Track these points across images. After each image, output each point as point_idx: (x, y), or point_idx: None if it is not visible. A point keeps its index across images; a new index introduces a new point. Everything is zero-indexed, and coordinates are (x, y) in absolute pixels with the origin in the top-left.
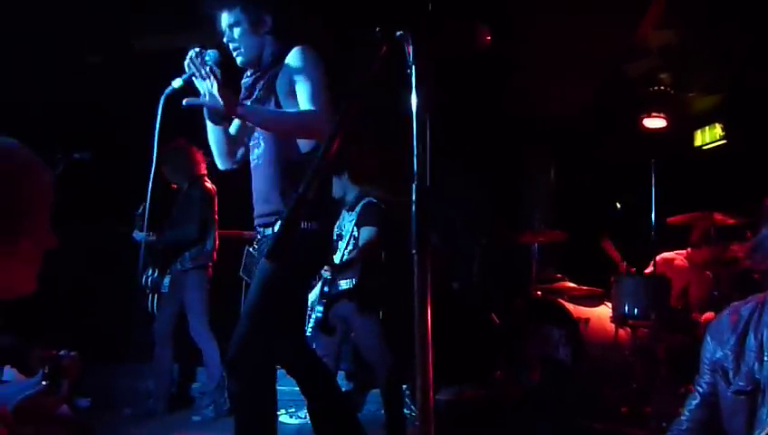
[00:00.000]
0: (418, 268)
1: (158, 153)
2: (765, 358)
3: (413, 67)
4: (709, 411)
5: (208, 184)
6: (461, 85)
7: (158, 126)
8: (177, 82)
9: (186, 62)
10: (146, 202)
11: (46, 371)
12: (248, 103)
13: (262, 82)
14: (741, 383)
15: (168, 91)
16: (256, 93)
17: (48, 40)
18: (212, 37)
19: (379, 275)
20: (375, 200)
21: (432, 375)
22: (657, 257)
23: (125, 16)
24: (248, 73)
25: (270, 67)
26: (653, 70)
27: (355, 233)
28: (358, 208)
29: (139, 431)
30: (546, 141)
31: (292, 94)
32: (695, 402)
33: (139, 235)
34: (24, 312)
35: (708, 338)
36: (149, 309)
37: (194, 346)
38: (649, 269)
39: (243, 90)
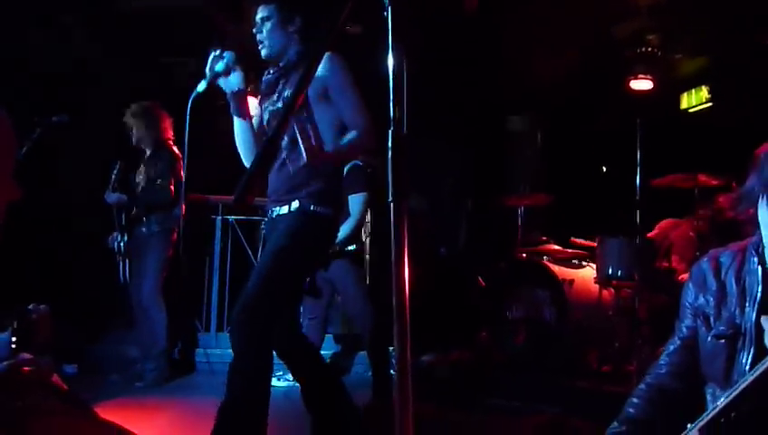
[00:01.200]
0: (395, 217)
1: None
2: (747, 304)
3: (389, 9)
4: (688, 355)
5: (175, 148)
6: (447, 50)
7: (187, 127)
8: (201, 86)
9: (207, 66)
10: (119, 163)
11: (14, 325)
12: (274, 104)
13: (284, 82)
14: (722, 328)
15: (194, 94)
16: (282, 94)
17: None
18: None
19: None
20: (361, 163)
21: (409, 323)
22: (663, 222)
23: None
24: (271, 70)
25: (293, 67)
26: (641, 30)
27: None
28: (344, 171)
29: (125, 396)
30: (532, 104)
31: (323, 98)
32: (673, 347)
33: (111, 196)
34: (8, 278)
35: (690, 284)
36: (121, 277)
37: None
38: (654, 233)
39: (264, 85)
